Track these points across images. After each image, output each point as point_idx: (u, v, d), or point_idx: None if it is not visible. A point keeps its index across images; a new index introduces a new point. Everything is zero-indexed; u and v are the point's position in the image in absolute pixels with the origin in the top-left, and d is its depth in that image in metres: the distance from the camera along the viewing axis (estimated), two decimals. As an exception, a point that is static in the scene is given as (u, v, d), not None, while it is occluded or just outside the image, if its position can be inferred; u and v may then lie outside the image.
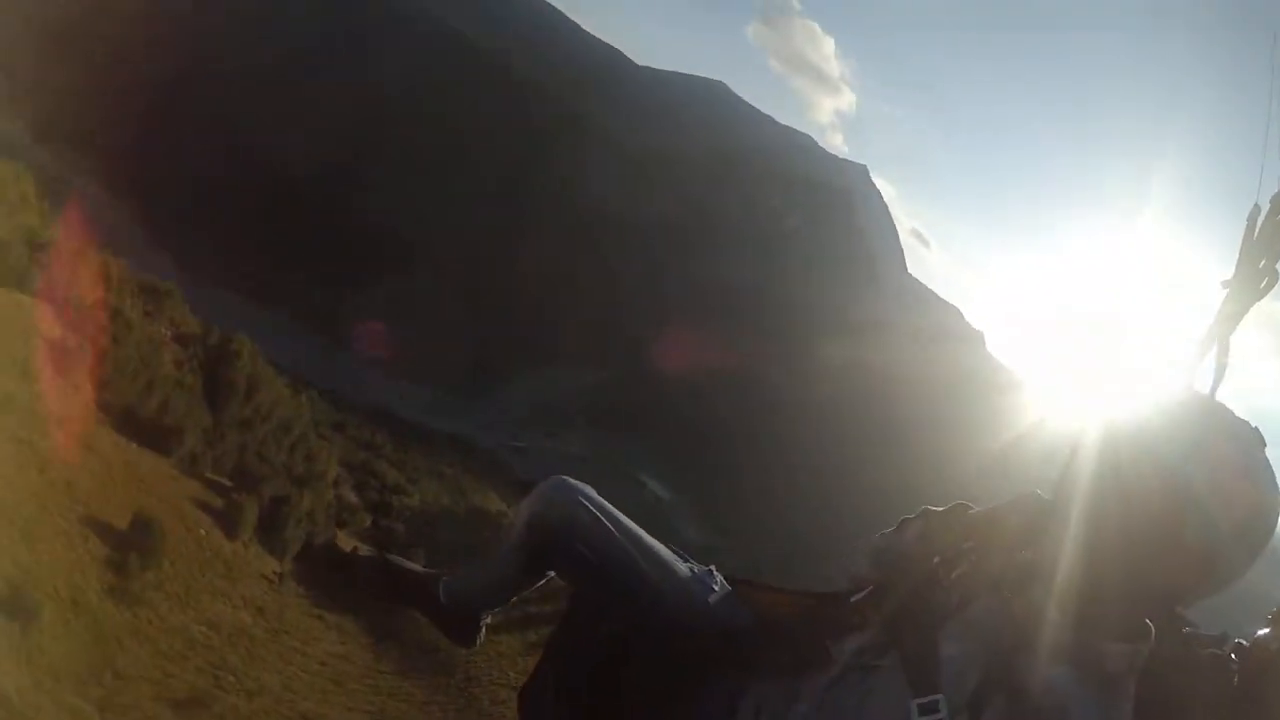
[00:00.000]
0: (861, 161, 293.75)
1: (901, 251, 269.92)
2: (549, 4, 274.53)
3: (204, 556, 15.04)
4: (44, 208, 50.98)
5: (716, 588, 2.06)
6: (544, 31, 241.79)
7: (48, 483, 12.24)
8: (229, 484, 25.13)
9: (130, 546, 11.47)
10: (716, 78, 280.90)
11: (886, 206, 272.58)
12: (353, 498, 37.77)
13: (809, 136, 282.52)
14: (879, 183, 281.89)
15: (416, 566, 2.65)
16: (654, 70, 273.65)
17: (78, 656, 8.28)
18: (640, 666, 1.98)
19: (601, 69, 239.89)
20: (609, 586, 2.06)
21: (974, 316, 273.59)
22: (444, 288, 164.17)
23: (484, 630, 2.55)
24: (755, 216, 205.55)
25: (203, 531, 16.54)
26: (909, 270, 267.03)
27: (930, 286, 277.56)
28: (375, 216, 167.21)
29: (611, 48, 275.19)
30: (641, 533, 2.12)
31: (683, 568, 2.09)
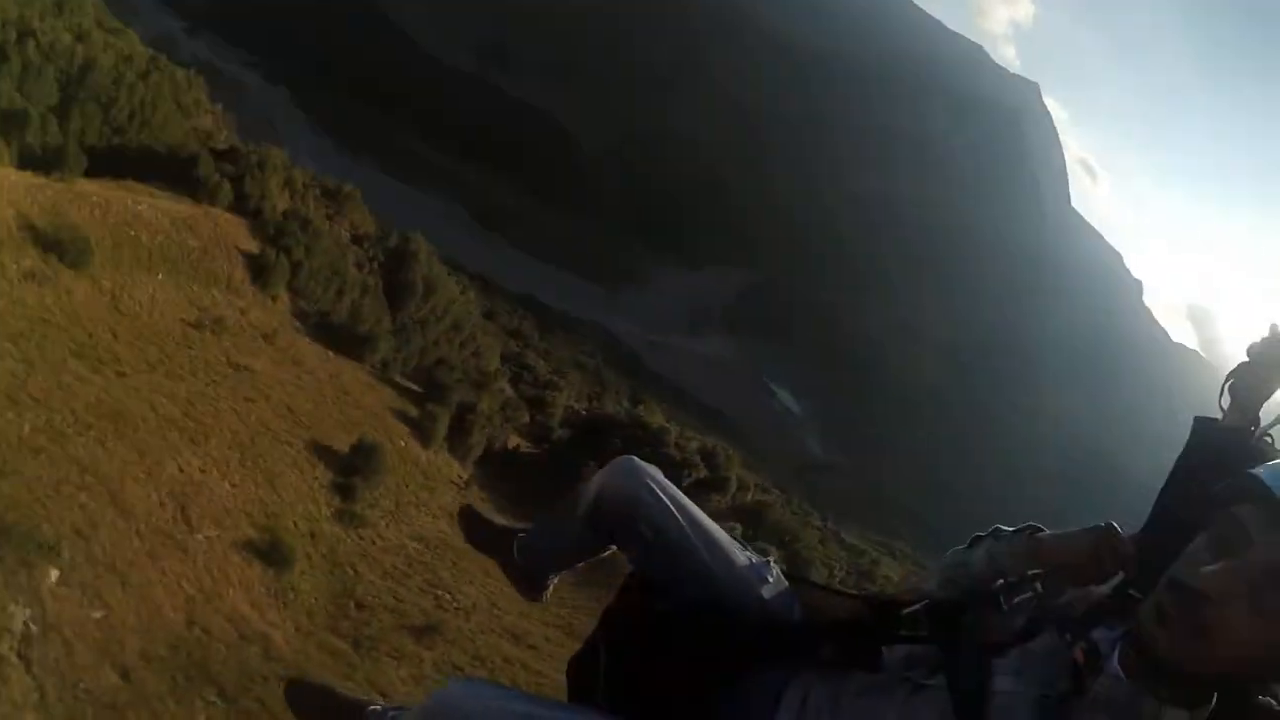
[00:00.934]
0: (1034, 79, 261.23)
1: (1066, 182, 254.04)
2: None
3: (405, 468, 15.90)
4: (218, 111, 53.01)
5: (771, 579, 2.05)
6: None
7: (273, 410, 13.28)
8: (419, 390, 26.43)
9: (353, 470, 12.15)
10: None
11: (1056, 131, 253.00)
12: (509, 391, 38.64)
13: (980, 47, 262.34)
14: (1050, 104, 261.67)
15: (497, 520, 2.83)
16: None
17: (323, 591, 8.78)
18: (690, 647, 1.99)
19: None
20: (666, 567, 2.08)
21: (1135, 264, 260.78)
22: (596, 179, 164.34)
23: (551, 588, 2.66)
24: (920, 130, 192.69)
25: (402, 443, 17.45)
26: (1072, 203, 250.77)
27: (1092, 224, 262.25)
28: (530, 106, 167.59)
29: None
30: (703, 518, 2.11)
31: (740, 556, 2.08)
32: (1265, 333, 1.86)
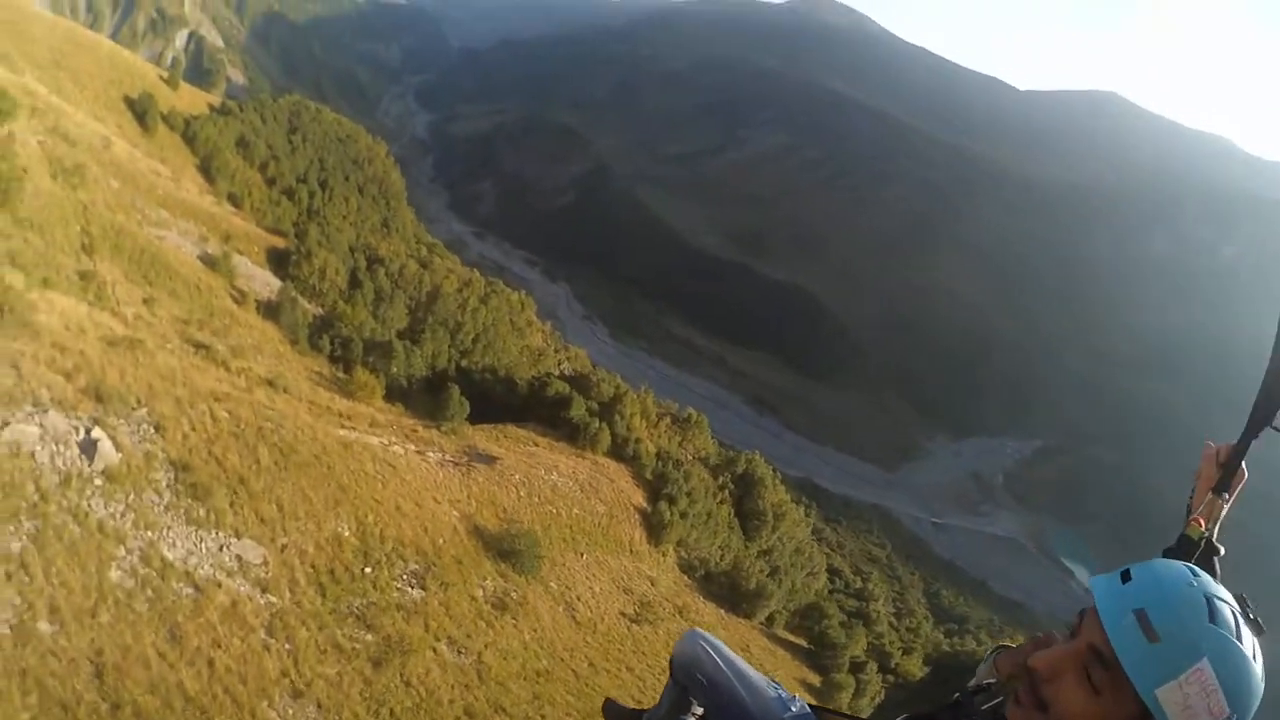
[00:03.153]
0: None
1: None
2: (909, 44, 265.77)
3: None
4: (546, 329, 54.64)
5: (795, 709, 2.67)
6: (918, 74, 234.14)
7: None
8: (808, 646, 22.83)
9: None
10: (1106, 88, 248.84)
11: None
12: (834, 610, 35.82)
13: (1225, 140, 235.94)
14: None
15: (627, 705, 3.47)
16: (1038, 93, 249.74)
17: None
18: None
19: (984, 103, 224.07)
20: (718, 706, 2.79)
21: None
22: (860, 352, 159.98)
23: None
24: (1183, 247, 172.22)
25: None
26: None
27: None
28: (788, 285, 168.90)
29: (991, 78, 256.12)
30: (743, 667, 2.83)
31: (770, 692, 2.74)
32: None
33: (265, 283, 42.20)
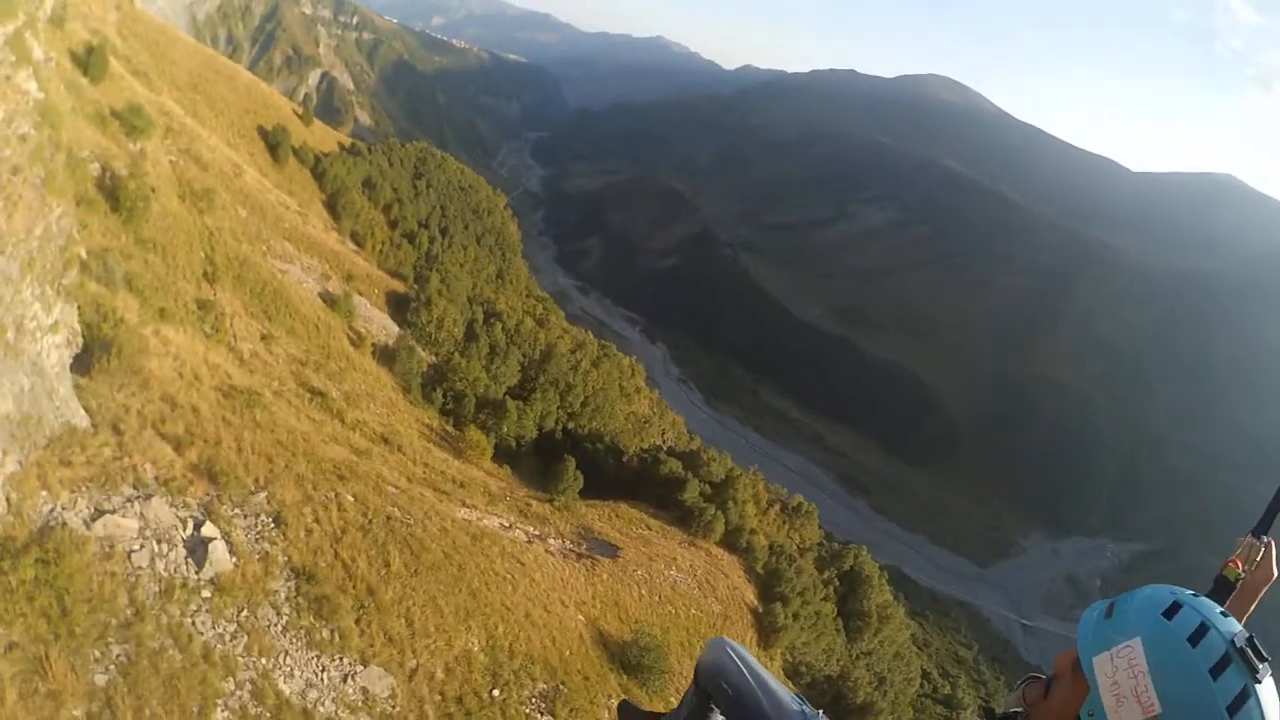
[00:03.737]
0: None
1: None
2: (1021, 122, 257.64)
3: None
4: (654, 395, 50.72)
5: None
6: (1031, 153, 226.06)
7: None
8: None
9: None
10: (1222, 170, 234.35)
11: None
12: None
13: None
14: None
15: (645, 708, 3.45)
16: (1152, 175, 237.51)
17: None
18: None
19: (1097, 185, 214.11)
20: (739, 713, 2.74)
21: None
22: (960, 438, 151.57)
23: None
24: None
25: None
26: None
27: None
28: (891, 363, 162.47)
29: (1104, 159, 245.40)
30: (768, 679, 2.78)
31: (794, 706, 2.71)
32: None
33: (382, 326, 40.07)
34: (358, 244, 54.05)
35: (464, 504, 22.65)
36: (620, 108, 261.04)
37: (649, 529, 32.43)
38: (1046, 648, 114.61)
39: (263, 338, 25.58)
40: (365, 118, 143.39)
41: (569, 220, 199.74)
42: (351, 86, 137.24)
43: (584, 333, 56.41)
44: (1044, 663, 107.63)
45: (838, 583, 40.97)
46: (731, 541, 35.37)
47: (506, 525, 23.47)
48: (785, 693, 2.75)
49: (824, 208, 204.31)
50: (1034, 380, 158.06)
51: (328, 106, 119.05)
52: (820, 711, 2.70)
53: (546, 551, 23.43)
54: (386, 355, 37.02)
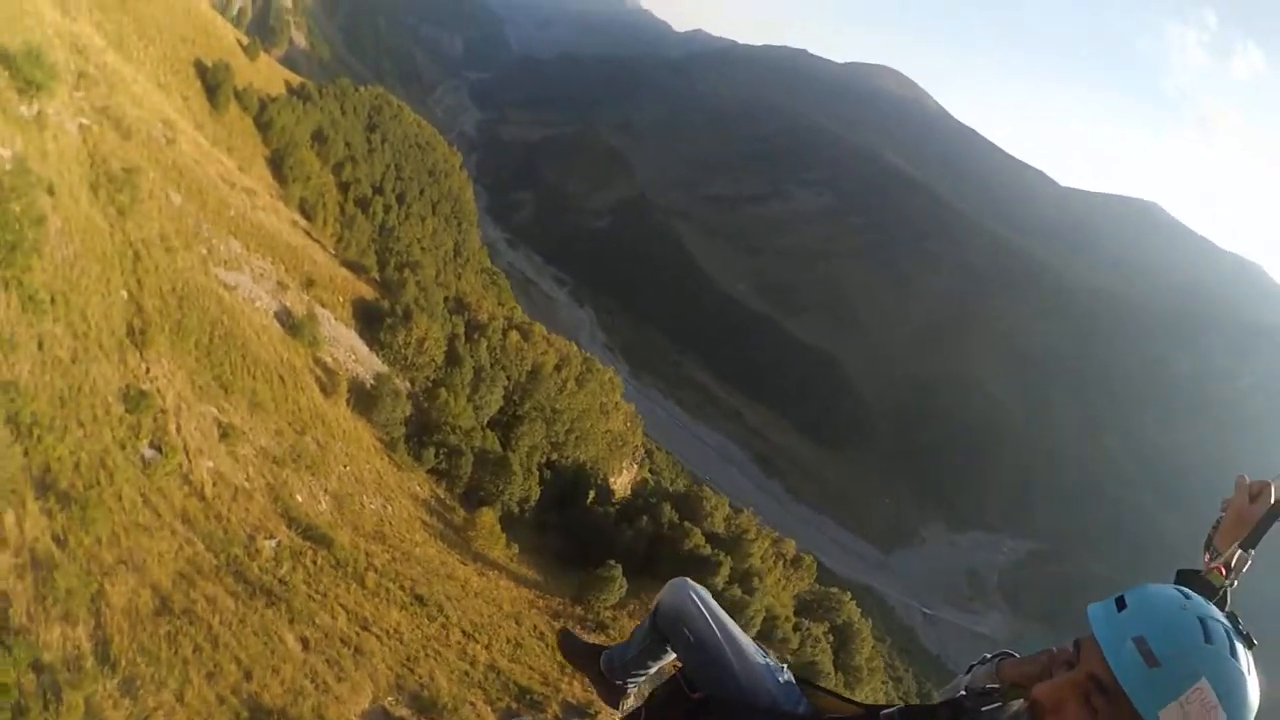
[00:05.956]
0: None
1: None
2: (961, 124, 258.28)
3: None
4: (629, 410, 42.23)
5: (782, 679, 2.42)
6: (967, 156, 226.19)
7: None
8: None
9: None
10: (1147, 197, 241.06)
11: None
12: None
13: (1257, 266, 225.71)
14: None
15: (586, 640, 3.15)
16: (1080, 192, 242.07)
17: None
18: None
19: (1026, 194, 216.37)
20: (702, 664, 2.44)
21: None
22: (874, 428, 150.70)
23: (631, 696, 2.92)
24: (1202, 370, 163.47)
25: None
26: None
27: None
28: (814, 348, 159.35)
29: (1036, 170, 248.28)
30: (735, 630, 2.50)
31: (759, 659, 2.45)
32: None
33: (351, 349, 30.82)
34: (307, 216, 43.75)
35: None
36: (566, 60, 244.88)
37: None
38: (946, 637, 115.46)
39: (222, 435, 16.66)
40: (301, 39, 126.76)
41: (504, 169, 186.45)
42: (289, 4, 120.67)
43: (567, 344, 48.09)
44: (943, 653, 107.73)
45: (831, 637, 38.23)
46: (767, 632, 32.19)
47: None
48: (750, 644, 2.49)
49: (759, 184, 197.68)
50: (947, 378, 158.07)
51: (262, 25, 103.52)
52: (785, 666, 2.49)
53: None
54: (362, 396, 28.08)
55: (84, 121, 23.52)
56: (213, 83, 42.37)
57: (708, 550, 33.42)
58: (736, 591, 31.87)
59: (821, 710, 2.38)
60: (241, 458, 16.93)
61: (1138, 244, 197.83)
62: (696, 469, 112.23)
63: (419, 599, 16.87)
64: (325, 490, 19.54)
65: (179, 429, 15.20)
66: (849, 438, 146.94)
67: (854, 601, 43.01)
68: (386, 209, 54.75)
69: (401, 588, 16.92)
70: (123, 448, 13.15)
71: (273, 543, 14.71)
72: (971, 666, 2.24)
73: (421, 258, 52.20)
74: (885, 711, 2.13)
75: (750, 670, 2.41)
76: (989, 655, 2.22)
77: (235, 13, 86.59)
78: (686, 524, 34.56)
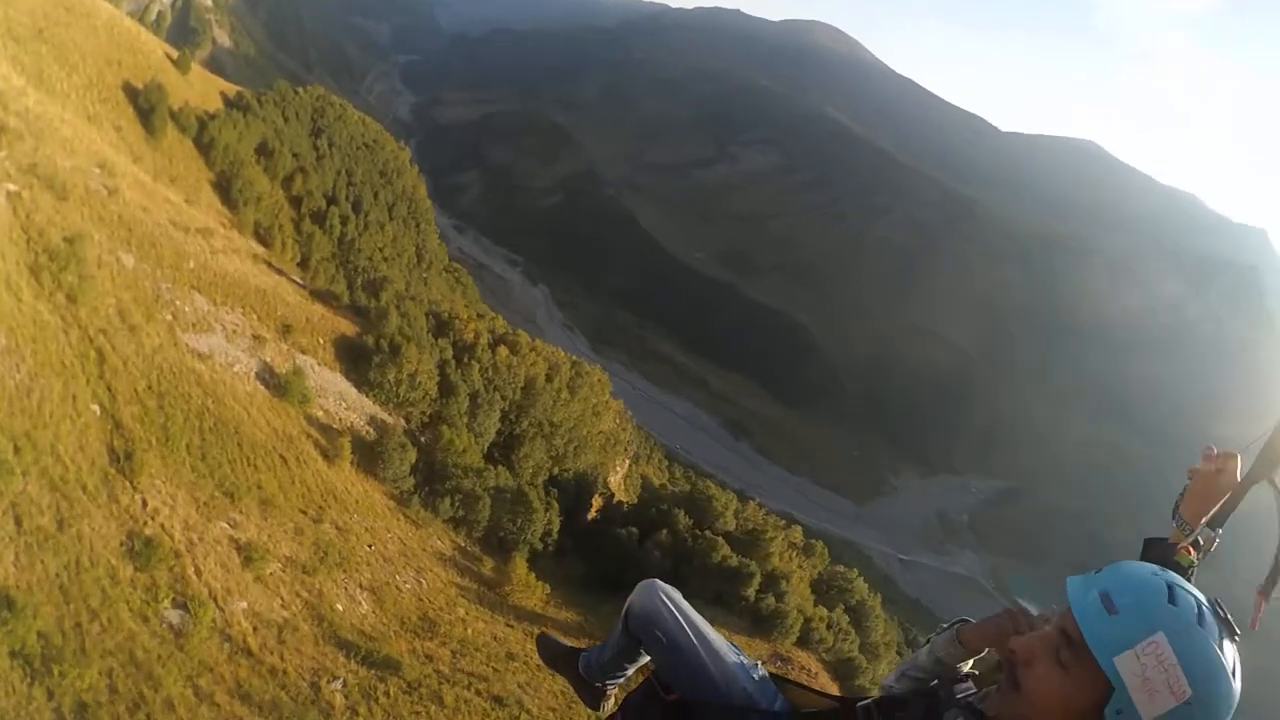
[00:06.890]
0: (1259, 224, 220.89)
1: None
2: (899, 76, 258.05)
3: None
4: (618, 407, 39.95)
5: (756, 677, 2.38)
6: (908, 107, 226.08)
7: None
8: None
9: None
10: (1085, 136, 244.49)
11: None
12: None
13: (1193, 197, 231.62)
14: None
15: (564, 643, 3.08)
16: (1020, 136, 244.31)
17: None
18: None
19: (968, 142, 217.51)
20: (675, 665, 2.40)
21: None
22: (839, 383, 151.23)
23: (611, 698, 2.84)
24: (1151, 303, 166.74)
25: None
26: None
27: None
28: (773, 310, 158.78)
29: (976, 117, 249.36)
30: (705, 628, 2.45)
31: (733, 658, 2.41)
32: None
33: (340, 396, 28.12)
34: (264, 243, 40.32)
35: None
36: (498, 35, 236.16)
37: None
38: (924, 581, 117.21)
39: (245, 560, 14.16)
40: (225, 38, 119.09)
41: (444, 153, 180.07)
42: (209, 3, 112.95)
43: (553, 349, 45.67)
44: (923, 596, 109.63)
45: (848, 618, 37.16)
46: (805, 636, 31.63)
47: None
48: (723, 643, 2.46)
49: (704, 147, 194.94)
50: (907, 329, 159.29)
51: (183, 27, 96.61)
52: (759, 663, 2.47)
53: None
54: (364, 451, 25.56)
55: (11, 188, 20.25)
56: (146, 106, 38.41)
57: (735, 561, 31.99)
58: (771, 601, 30.75)
59: (798, 706, 2.34)
60: (271, 580, 14.55)
61: (1078, 184, 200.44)
62: (668, 440, 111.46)
63: (498, 700, 14.87)
64: (360, 586, 17.25)
65: (199, 572, 12.78)
66: (816, 396, 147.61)
67: (861, 578, 42.30)
68: (344, 220, 51.28)
69: (477, 692, 14.93)
70: (146, 622, 10.76)
71: (338, 685, 12.53)
72: (930, 638, 2.18)
73: (387, 270, 49.16)
74: (861, 703, 2.09)
75: (724, 669, 2.36)
76: (945, 624, 2.15)
77: (154, 18, 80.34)
78: (708, 534, 33.08)
